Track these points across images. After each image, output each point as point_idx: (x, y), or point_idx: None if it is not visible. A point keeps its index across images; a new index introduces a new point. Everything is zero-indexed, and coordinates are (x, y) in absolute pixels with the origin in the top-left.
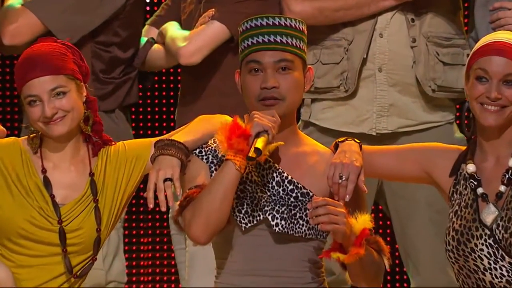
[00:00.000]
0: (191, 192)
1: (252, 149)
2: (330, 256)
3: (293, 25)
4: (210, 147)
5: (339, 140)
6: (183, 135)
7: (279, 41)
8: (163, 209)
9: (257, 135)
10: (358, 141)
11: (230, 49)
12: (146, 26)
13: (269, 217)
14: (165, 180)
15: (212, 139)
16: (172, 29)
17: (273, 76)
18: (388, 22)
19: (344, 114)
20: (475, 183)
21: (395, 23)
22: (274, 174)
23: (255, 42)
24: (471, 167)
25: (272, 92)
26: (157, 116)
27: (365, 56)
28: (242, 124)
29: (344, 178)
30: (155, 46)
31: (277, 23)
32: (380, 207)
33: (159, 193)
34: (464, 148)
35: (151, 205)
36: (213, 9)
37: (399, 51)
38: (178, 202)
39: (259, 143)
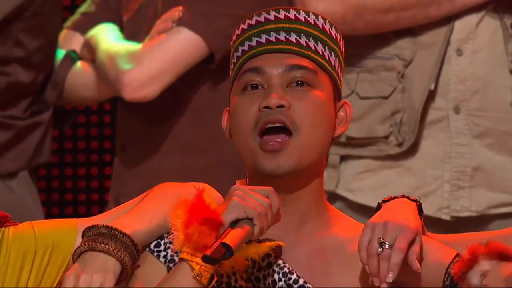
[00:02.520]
0: None
1: (215, 244)
2: None
3: (320, 25)
4: (172, 239)
5: (384, 200)
6: (131, 219)
7: (294, 40)
8: None
9: (233, 225)
10: (416, 199)
11: (206, 74)
12: (64, 31)
13: None
14: None
15: None
16: (108, 37)
17: (281, 90)
18: (472, 30)
19: (396, 182)
20: None
21: (484, 32)
22: (280, 280)
23: (254, 44)
24: None
25: (278, 114)
26: (82, 184)
27: (432, 88)
28: (210, 203)
29: (387, 245)
30: (79, 65)
31: (292, 17)
32: None
33: None
34: None
35: None
36: (180, 8)
37: (490, 79)
38: None
39: (231, 236)
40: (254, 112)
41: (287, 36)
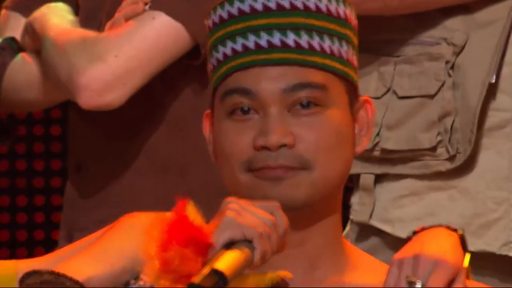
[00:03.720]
0: None
1: (205, 269)
2: None
3: (323, 9)
4: (142, 285)
5: (415, 231)
6: (85, 261)
7: (292, 44)
8: None
9: (227, 248)
10: (458, 230)
11: (189, 73)
12: (2, 12)
13: None
14: None
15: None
16: (58, 21)
17: (282, 121)
18: None
19: (447, 209)
20: None
21: None
22: None
23: (239, 49)
24: None
25: (279, 157)
26: (23, 218)
27: (492, 81)
28: (196, 220)
29: (418, 285)
30: (19, 57)
31: (287, 6)
32: None
33: None
34: None
35: None
36: None
37: None
38: None
39: (225, 260)
40: (246, 147)
41: (283, 38)
